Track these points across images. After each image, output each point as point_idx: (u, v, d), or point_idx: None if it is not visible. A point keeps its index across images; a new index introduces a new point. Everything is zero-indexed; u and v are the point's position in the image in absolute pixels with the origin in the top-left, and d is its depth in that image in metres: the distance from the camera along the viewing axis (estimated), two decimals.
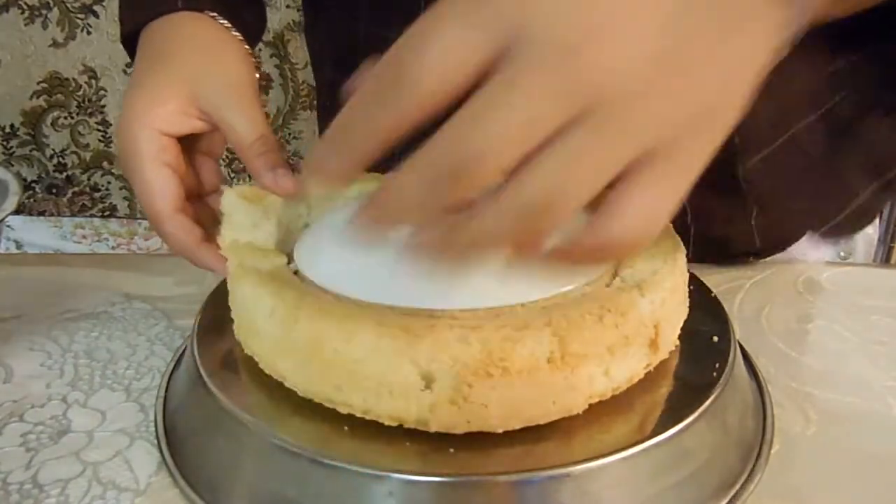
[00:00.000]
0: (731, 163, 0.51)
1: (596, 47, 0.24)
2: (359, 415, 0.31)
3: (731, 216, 0.54)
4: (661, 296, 0.33)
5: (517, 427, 0.30)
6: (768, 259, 0.58)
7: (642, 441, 0.30)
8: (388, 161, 0.27)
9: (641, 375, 0.33)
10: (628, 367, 0.32)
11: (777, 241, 0.56)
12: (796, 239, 0.57)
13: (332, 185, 0.28)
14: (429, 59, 0.24)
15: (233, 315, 0.36)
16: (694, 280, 0.43)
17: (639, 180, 0.26)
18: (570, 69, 0.24)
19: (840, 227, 0.56)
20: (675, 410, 0.32)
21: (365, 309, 0.32)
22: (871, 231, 0.65)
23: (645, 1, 0.24)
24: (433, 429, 0.30)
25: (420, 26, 0.25)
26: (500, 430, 0.30)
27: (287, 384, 0.33)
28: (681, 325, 0.36)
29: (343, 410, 0.31)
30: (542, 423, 0.30)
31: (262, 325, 0.33)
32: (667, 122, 0.25)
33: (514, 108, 0.24)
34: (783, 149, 0.51)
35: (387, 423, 0.31)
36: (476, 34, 0.24)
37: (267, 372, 0.34)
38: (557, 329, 0.29)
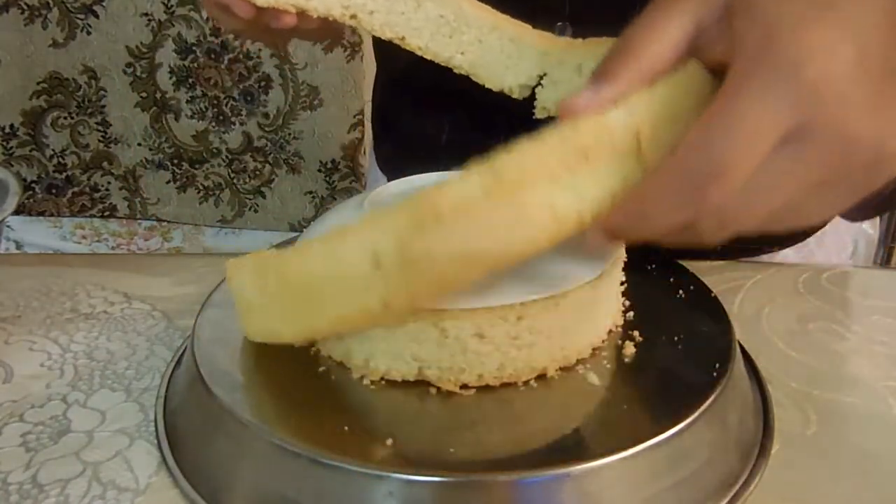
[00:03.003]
0: None
1: (821, 67, 0.26)
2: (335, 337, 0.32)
3: None
4: (642, 101, 0.29)
5: (478, 279, 0.28)
6: (768, 259, 0.58)
7: (642, 441, 0.30)
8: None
9: (623, 190, 0.29)
10: (599, 185, 0.29)
11: (800, 230, 0.57)
12: (819, 227, 0.58)
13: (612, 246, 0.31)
14: (738, 143, 0.26)
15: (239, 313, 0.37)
16: (694, 280, 0.43)
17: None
18: (798, 82, 0.26)
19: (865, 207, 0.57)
20: (675, 410, 0.32)
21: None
22: (872, 231, 0.65)
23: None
24: (396, 313, 0.30)
25: (723, 107, 0.27)
26: (465, 300, 0.31)
27: (284, 339, 0.34)
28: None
29: (324, 350, 0.33)
30: (506, 264, 0.28)
31: (249, 296, 0.34)
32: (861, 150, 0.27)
33: (752, 118, 0.26)
34: None
35: (361, 327, 0.32)
36: (778, 111, 0.26)
37: (267, 341, 0.35)
38: (491, 163, 0.28)
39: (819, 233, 0.59)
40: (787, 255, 0.59)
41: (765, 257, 0.59)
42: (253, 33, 0.46)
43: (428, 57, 0.42)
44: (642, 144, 0.29)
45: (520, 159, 0.27)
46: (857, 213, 0.59)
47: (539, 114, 0.41)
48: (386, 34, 0.41)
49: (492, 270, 0.28)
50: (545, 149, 0.28)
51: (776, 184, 0.27)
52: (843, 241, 0.62)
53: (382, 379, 0.35)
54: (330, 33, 0.47)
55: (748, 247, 0.58)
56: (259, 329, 0.36)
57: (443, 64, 0.42)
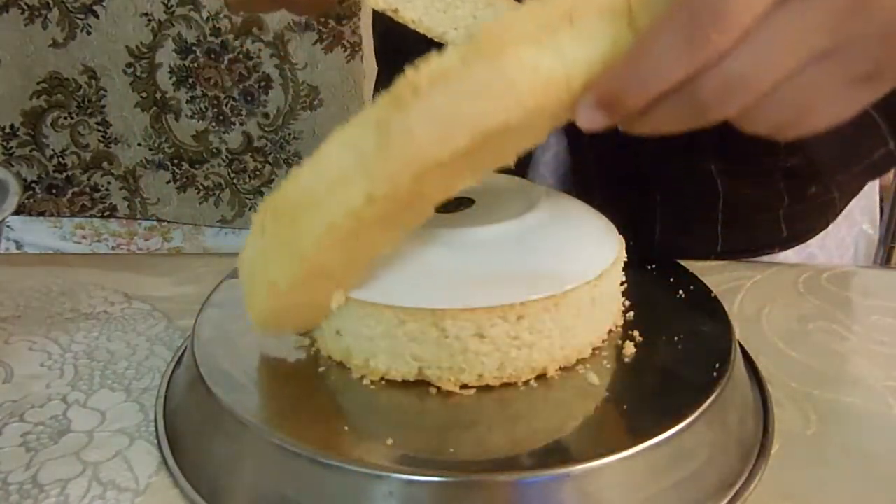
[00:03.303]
0: (775, 158, 0.53)
1: None
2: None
3: (761, 204, 0.56)
4: None
5: (460, 150, 0.26)
6: (768, 259, 0.58)
7: (642, 441, 0.30)
8: None
9: (614, 56, 0.27)
10: (585, 48, 0.27)
11: (803, 232, 0.58)
12: (822, 229, 0.58)
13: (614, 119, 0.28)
14: None
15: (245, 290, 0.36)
16: (694, 280, 0.43)
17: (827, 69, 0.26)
18: None
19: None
20: (675, 410, 0.32)
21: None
22: (872, 232, 0.65)
23: None
24: (381, 209, 0.28)
25: None
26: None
27: (282, 289, 0.32)
28: None
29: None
30: (491, 133, 0.26)
31: (250, 255, 0.34)
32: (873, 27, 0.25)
33: None
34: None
35: (351, 244, 0.30)
36: None
37: (270, 319, 0.35)
38: (469, 29, 0.27)
39: (822, 234, 0.59)
40: (788, 256, 0.59)
41: (765, 258, 0.59)
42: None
43: (421, 30, 0.41)
44: (633, 8, 0.27)
45: (499, 25, 0.26)
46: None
47: None
48: (379, 4, 0.40)
49: (475, 141, 0.26)
50: (525, 13, 0.27)
51: (780, 43, 0.25)
52: (844, 243, 0.62)
53: (382, 379, 0.35)
54: (320, 5, 0.47)
55: (749, 248, 0.58)
56: (259, 296, 0.34)
57: (437, 39, 0.41)
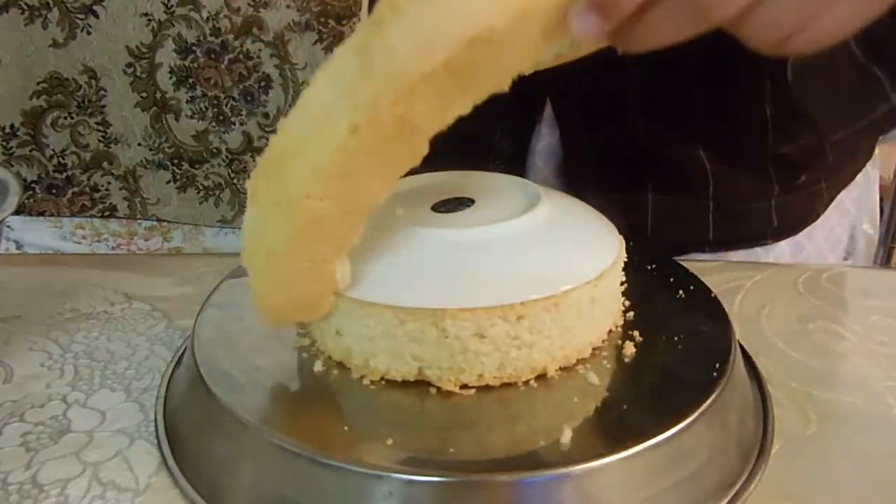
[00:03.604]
0: (765, 146, 0.54)
1: None
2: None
3: (752, 193, 0.56)
4: None
5: (444, 60, 0.25)
6: (764, 253, 0.58)
7: (642, 441, 0.30)
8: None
9: None
10: None
11: (794, 222, 0.59)
12: (812, 220, 0.59)
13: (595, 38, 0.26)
14: None
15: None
16: (694, 280, 0.43)
17: None
18: None
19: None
20: (675, 410, 0.32)
21: None
22: (872, 232, 0.65)
23: None
24: (365, 139, 0.26)
25: None
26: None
27: (279, 252, 0.31)
28: None
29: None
30: (473, 35, 0.25)
31: (250, 227, 0.32)
32: None
33: None
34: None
35: (337, 190, 0.28)
36: None
37: (274, 304, 0.34)
38: None
39: (809, 227, 0.60)
40: (784, 250, 0.59)
41: (760, 251, 0.59)
42: None
43: None
44: None
45: None
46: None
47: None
48: None
49: (459, 50, 0.25)
50: None
51: None
52: (834, 234, 0.62)
53: (382, 379, 0.35)
54: None
55: (741, 238, 0.58)
56: (261, 273, 0.32)
57: None
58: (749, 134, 0.54)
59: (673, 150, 0.55)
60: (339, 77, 0.26)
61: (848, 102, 0.55)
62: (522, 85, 0.28)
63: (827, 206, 0.60)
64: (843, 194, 0.61)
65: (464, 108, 0.27)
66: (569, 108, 0.56)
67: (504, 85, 0.27)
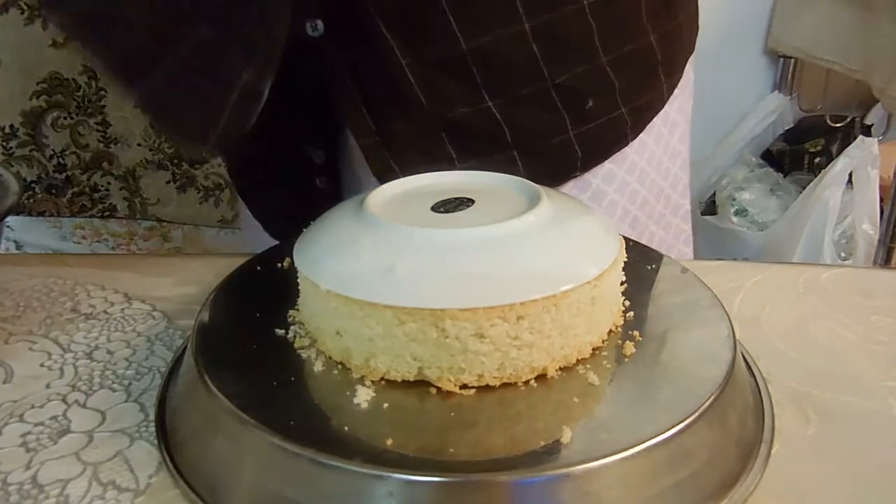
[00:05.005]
0: (541, 77, 0.53)
1: None
2: None
3: (547, 130, 0.56)
4: None
5: None
6: (767, 259, 0.58)
7: (642, 441, 0.30)
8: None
9: None
10: None
11: (601, 150, 0.58)
12: (621, 146, 0.59)
13: None
14: None
15: None
16: (694, 280, 0.43)
17: None
18: None
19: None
20: (675, 410, 0.32)
21: None
22: (872, 232, 0.65)
23: None
24: None
25: None
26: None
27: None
28: None
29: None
30: None
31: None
32: None
33: None
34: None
35: None
36: None
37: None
38: None
39: (637, 147, 0.59)
40: (614, 172, 0.59)
41: (763, 261, 0.59)
42: None
43: None
44: None
45: None
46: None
47: None
48: None
49: None
50: None
51: None
52: (655, 158, 0.62)
53: (382, 379, 0.35)
54: None
55: (552, 173, 0.57)
56: None
57: None
58: (523, 72, 0.54)
59: (466, 109, 0.54)
60: None
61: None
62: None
63: (638, 130, 0.59)
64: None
65: None
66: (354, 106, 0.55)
67: None
